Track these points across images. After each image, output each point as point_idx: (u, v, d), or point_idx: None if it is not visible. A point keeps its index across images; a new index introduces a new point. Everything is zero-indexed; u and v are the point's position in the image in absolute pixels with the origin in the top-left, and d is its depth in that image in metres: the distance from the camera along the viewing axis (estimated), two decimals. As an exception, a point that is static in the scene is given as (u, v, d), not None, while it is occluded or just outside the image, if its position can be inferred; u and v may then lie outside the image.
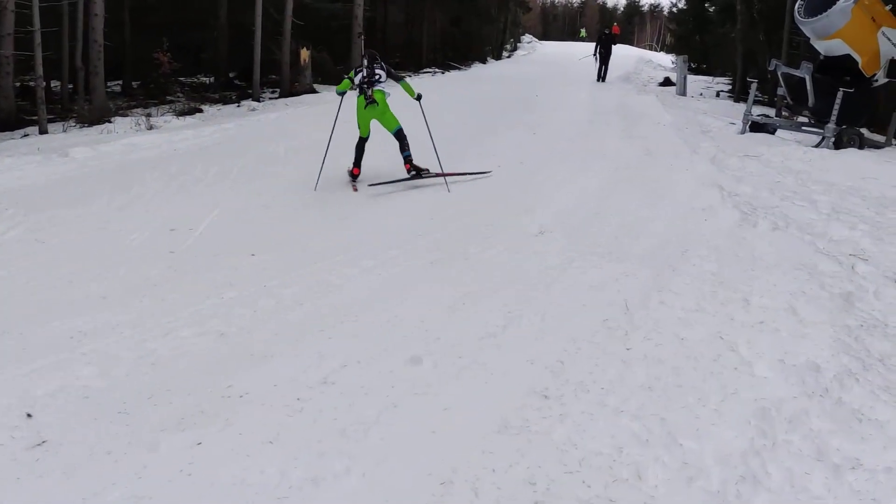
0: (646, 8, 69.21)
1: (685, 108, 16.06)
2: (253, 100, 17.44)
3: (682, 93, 20.27)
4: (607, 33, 22.87)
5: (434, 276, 5.57)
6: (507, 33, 40.11)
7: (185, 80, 19.01)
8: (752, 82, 12.78)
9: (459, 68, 28.40)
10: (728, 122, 13.40)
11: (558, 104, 15.81)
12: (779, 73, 12.17)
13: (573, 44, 50.32)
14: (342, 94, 9.02)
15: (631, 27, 66.59)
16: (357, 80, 8.86)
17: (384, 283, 5.45)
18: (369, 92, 8.69)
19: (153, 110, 14.91)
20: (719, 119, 14.01)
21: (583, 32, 60.64)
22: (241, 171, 9.28)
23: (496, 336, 4.46)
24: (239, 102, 17.21)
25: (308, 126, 12.93)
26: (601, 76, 22.57)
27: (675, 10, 35.75)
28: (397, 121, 8.80)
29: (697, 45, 29.91)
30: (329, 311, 4.90)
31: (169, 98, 16.91)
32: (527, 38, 49.73)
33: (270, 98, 18.34)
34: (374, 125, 8.89)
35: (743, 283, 5.18)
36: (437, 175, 8.70)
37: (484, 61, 33.02)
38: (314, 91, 19.29)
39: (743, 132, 12.21)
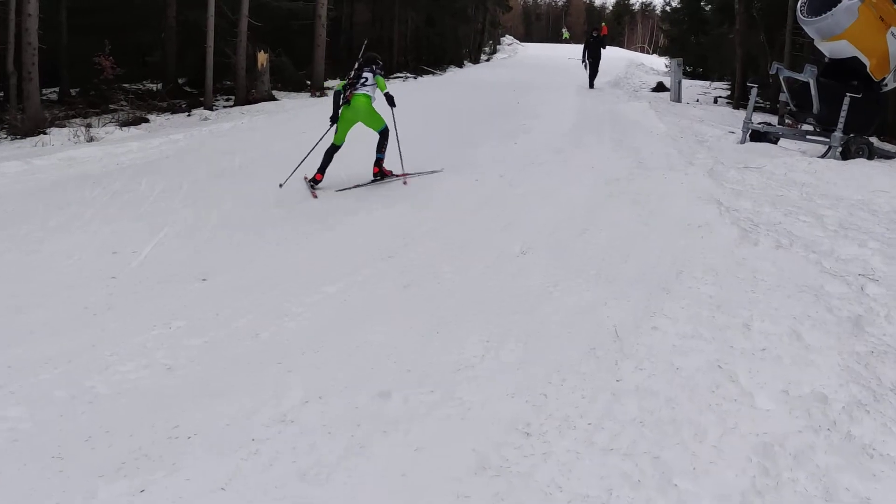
0: (636, 7, 70.07)
1: (680, 115, 16.23)
2: (205, 108, 17.44)
3: (677, 99, 20.50)
4: (595, 35, 22.87)
5: (405, 301, 5.58)
6: (486, 35, 40.45)
7: (129, 86, 18.96)
8: (753, 87, 12.91)
9: (433, 73, 28.58)
10: (726, 131, 13.55)
11: (542, 112, 15.92)
12: (781, 78, 12.29)
13: (557, 46, 50.81)
14: (339, 93, 9.40)
15: (621, 28, 67.38)
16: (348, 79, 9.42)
17: (350, 309, 5.44)
18: (347, 93, 9.24)
19: (94, 120, 14.85)
20: (717, 127, 14.18)
21: (566, 34, 61.32)
22: (192, 188, 9.25)
23: (473, 367, 4.46)
24: (189, 111, 17.20)
25: (266, 137, 12.95)
26: (592, 83, 22.67)
27: (668, 9, 36.24)
28: (383, 120, 9.35)
29: (693, 47, 30.31)
30: (288, 342, 4.88)
31: (111, 106, 16.86)
32: (507, 39, 50.23)
33: (224, 106, 18.36)
34: (356, 133, 9.40)
35: (743, 306, 5.22)
36: (399, 176, 9.44)
37: (460, 65, 33.28)
38: (273, 98, 19.33)
39: (743, 142, 12.32)
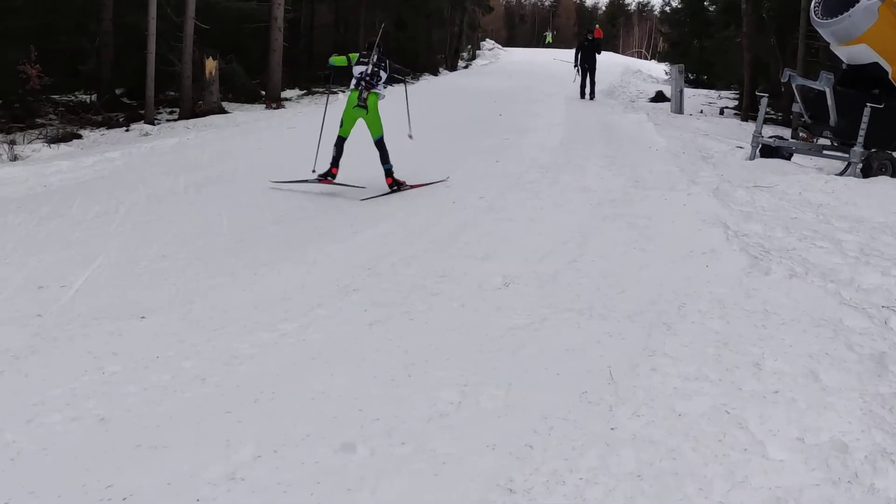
0: (633, 7, 70.77)
1: (682, 128, 16.40)
2: (146, 122, 17.44)
3: (679, 110, 20.72)
4: (590, 39, 22.82)
5: (371, 340, 5.56)
6: (464, 39, 40.72)
7: (58, 98, 18.89)
8: (763, 97, 13.07)
9: (405, 81, 28.65)
10: (734, 146, 13.70)
11: (527, 125, 16.05)
12: (794, 86, 12.41)
13: (544, 51, 51.18)
14: (333, 67, 10.56)
15: (615, 30, 68.03)
16: (357, 71, 10.25)
17: (309, 350, 5.42)
18: (365, 94, 10.10)
19: (18, 136, 14.79)
20: (723, 142, 14.33)
21: (549, 37, 61.89)
22: (131, 212, 9.22)
23: (448, 415, 4.46)
24: (128, 126, 17.19)
25: (215, 155, 12.95)
26: (586, 92, 22.66)
27: (667, 9, 36.65)
28: (382, 128, 10.20)
29: (696, 53, 30.64)
30: (239, 388, 4.85)
31: (38, 121, 16.79)
32: (488, 44, 50.62)
33: (168, 120, 18.38)
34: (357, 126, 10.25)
35: (753, 343, 5.26)
36: (413, 187, 10.33)
37: (435, 72, 33.48)
38: (223, 111, 19.36)
39: (752, 158, 12.44)
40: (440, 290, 6.55)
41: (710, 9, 30.24)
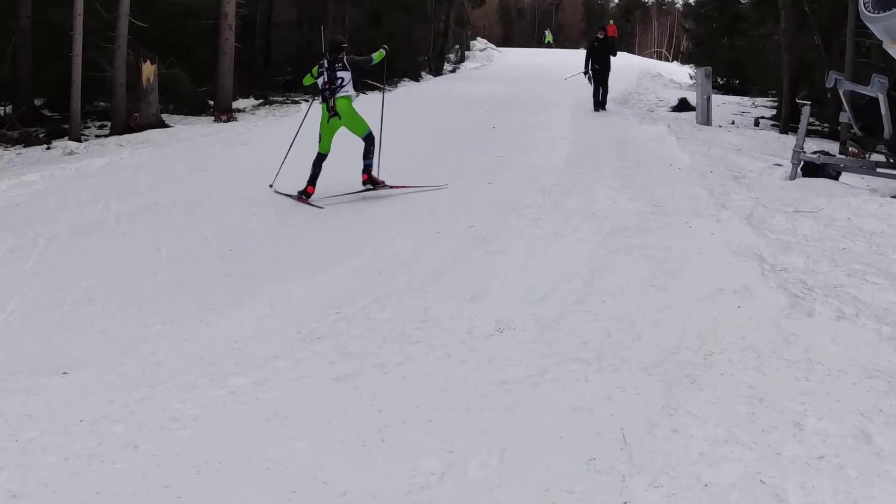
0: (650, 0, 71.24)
1: (709, 142, 16.45)
2: (70, 139, 17.45)
3: (706, 121, 20.78)
4: (601, 38, 21.99)
5: (338, 399, 5.55)
6: (451, 37, 40.85)
7: (-35, 110, 18.89)
8: (805, 105, 13.08)
9: (381, 88, 28.66)
10: (771, 163, 13.71)
11: (526, 140, 16.07)
12: (841, 92, 12.43)
13: (546, 52, 51.42)
14: (311, 86, 11.63)
15: (630, 27, 68.46)
16: (319, 82, 11.21)
17: (264, 410, 5.41)
18: (331, 102, 11.03)
19: (-85, 156, 14.77)
20: (758, 158, 14.36)
21: (549, 36, 62.28)
22: (52, 247, 9.21)
23: (429, 488, 4.45)
24: (49, 143, 17.21)
25: (153, 177, 12.95)
26: (599, 101, 22.16)
27: (692, 1, 36.87)
28: (366, 125, 11.18)
29: (726, 53, 30.75)
30: (179, 456, 4.84)
31: (-58, 138, 16.78)
32: (479, 43, 50.81)
33: (98, 136, 18.41)
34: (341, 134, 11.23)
35: (793, 399, 5.26)
36: (394, 187, 11.27)
37: (417, 77, 33.59)
38: (163, 125, 19.40)
39: (793, 177, 12.44)
40: (421, 338, 6.55)
41: (743, 1, 30.37)
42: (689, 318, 6.76)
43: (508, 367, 5.95)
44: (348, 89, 11.12)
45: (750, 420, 5.02)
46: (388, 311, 7.16)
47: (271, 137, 17.16)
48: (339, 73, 11.06)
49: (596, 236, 9.23)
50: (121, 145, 16.78)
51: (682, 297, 7.28)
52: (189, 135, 18.21)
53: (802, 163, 12.54)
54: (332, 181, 11.34)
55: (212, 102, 21.99)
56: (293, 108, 23.64)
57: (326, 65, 11.11)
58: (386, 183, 11.32)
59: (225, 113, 21.12)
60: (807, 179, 12.23)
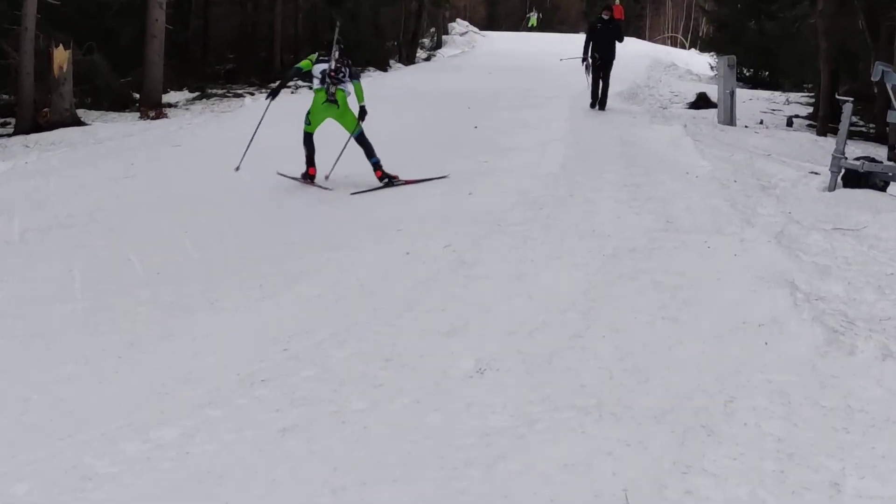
0: (664, -26, 71.59)
1: (733, 146, 16.50)
2: (-34, 139, 17.36)
3: (729, 120, 20.84)
4: (606, 18, 21.58)
5: (285, 455, 5.53)
6: (425, 19, 40.92)
7: None
8: (846, 102, 13.11)
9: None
10: (806, 171, 13.76)
11: (513, 143, 16.09)
12: (889, 87, 12.49)
13: (536, 37, 51.53)
14: (299, 71, 13.43)
15: (640, 8, 68.79)
16: (318, 70, 12.97)
17: (195, 468, 5.38)
18: (332, 90, 12.78)
19: None
20: (791, 165, 14.41)
21: (533, 19, 62.51)
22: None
23: (396, 561, 4.44)
24: (-60, 144, 17.10)
25: (66, 186, 12.90)
26: (598, 99, 21.63)
27: (712, -25, 36.98)
28: (357, 121, 12.95)
29: (753, 39, 30.85)
30: (92, 524, 4.82)
31: None
32: (459, 26, 50.91)
33: (-1, 135, 18.30)
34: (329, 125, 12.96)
35: (830, 454, 5.27)
36: (407, 182, 12.81)
37: (384, 67, 33.64)
38: (79, 122, 19.34)
39: (832, 188, 12.47)
40: (386, 380, 6.53)
41: (773, -23, 30.47)
42: (707, 358, 6.76)
43: (490, 415, 5.93)
44: (346, 85, 12.96)
45: (778, 480, 5.03)
46: (348, 348, 7.14)
47: (209, 138, 17.19)
48: (343, 68, 12.91)
49: (596, 259, 9.24)
50: (27, 146, 16.75)
51: (698, 331, 7.29)
52: (110, 134, 18.16)
53: (843, 171, 12.53)
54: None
55: (137, 96, 21.96)
56: (235, 102, 23.67)
57: (337, 55, 12.90)
58: (401, 178, 12.97)
59: (153, 108, 21.09)
60: (848, 190, 12.22)
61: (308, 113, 13.07)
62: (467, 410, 6.02)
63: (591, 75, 21.52)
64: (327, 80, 12.79)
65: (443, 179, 12.77)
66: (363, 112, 12.94)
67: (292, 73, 13.74)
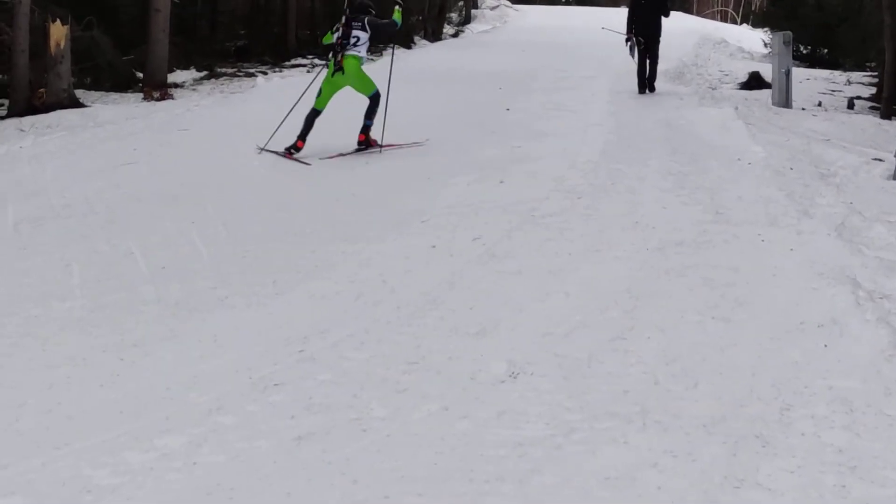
0: (714, -58, 71.28)
1: (789, 129, 16.44)
2: (-44, 122, 17.42)
3: (785, 102, 20.74)
4: None
5: (300, 465, 5.51)
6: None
7: None
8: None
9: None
10: (869, 158, 13.69)
11: (549, 127, 16.10)
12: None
13: (574, 11, 51.45)
14: (329, 45, 14.26)
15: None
16: (334, 37, 13.92)
17: (203, 480, 5.34)
18: (338, 57, 13.73)
19: None
20: (852, 151, 14.34)
21: None
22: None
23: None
24: (-72, 127, 17.18)
25: (65, 172, 12.95)
26: (645, 81, 21.34)
27: (767, -54, 36.82)
28: (374, 84, 14.04)
29: (811, 13, 30.73)
30: (91, 541, 4.82)
31: None
32: (491, 0, 50.75)
33: (-9, 118, 18.36)
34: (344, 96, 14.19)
35: (897, 467, 5.24)
36: (387, 146, 14.05)
37: (408, 45, 33.59)
38: (78, 104, 19.38)
39: (897, 177, 12.46)
40: (410, 385, 6.52)
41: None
42: (761, 361, 6.74)
43: (524, 424, 5.92)
44: (361, 50, 13.92)
45: (840, 495, 5.00)
46: (368, 350, 7.14)
47: (218, 121, 17.21)
48: (356, 32, 13.78)
49: (640, 253, 9.23)
50: (22, 130, 16.79)
51: (751, 333, 7.27)
52: (111, 117, 18.18)
53: (910, 156, 12.55)
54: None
55: (141, 75, 21.99)
56: (247, 82, 23.70)
57: (343, 20, 13.79)
58: (379, 143, 14.11)
59: (158, 89, 21.10)
60: (916, 179, 12.24)
61: (321, 83, 14.13)
62: (498, 419, 6.00)
63: (635, 56, 21.19)
64: (336, 47, 13.78)
65: (477, 167, 12.77)
66: (373, 103, 14.06)
67: (326, 50, 14.68)
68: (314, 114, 13.85)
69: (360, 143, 14.00)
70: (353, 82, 13.92)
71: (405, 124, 15.72)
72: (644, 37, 20.96)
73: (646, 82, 21.32)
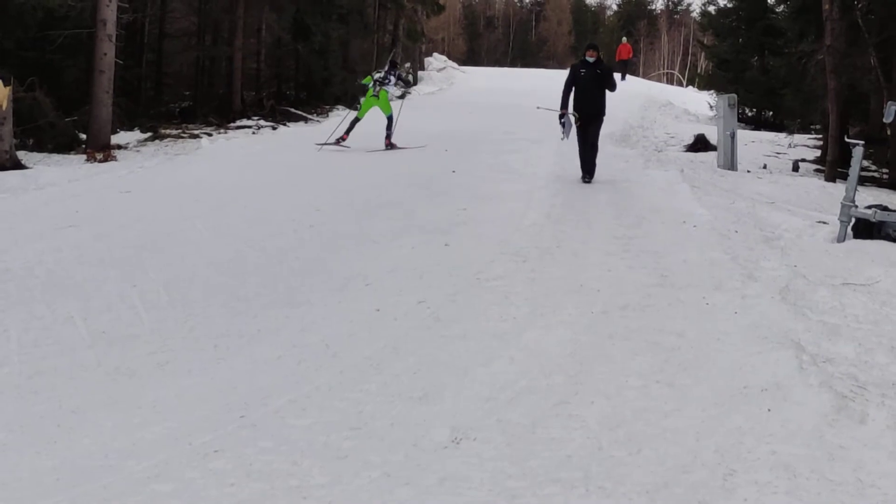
0: (658, 6, 71.90)
1: (734, 192, 16.58)
2: None
3: (730, 164, 20.95)
4: (591, 62, 17.84)
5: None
6: (399, 53, 41.10)
7: None
8: (857, 146, 13.15)
9: (307, 118, 29.06)
10: (813, 221, 13.80)
11: (495, 189, 16.15)
12: (903, 129, 12.56)
13: (521, 73, 51.76)
14: (363, 87, 23.85)
15: (632, 41, 69.09)
16: (376, 76, 22.73)
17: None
18: (377, 89, 22.25)
19: None
20: (797, 214, 14.46)
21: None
22: None
23: None
24: None
25: (4, 235, 12.84)
26: (586, 167, 17.85)
27: (712, 9, 37.17)
28: (391, 108, 22.25)
29: (756, 77, 31.01)
30: None
31: None
32: (437, 61, 51.07)
33: (-71, 180, 18.23)
34: (372, 114, 22.32)
35: (841, 534, 5.25)
36: (397, 147, 21.33)
37: (354, 105, 33.62)
38: (19, 165, 19.29)
39: (841, 239, 12.50)
40: (351, 452, 6.50)
41: (777, 9, 30.55)
42: (705, 426, 6.77)
43: (466, 491, 5.92)
44: (390, 87, 22.97)
45: (783, 563, 5.01)
46: (310, 416, 7.12)
47: (163, 183, 17.14)
48: (390, 77, 22.92)
49: (585, 316, 9.26)
50: (-38, 193, 16.69)
51: (695, 397, 7.29)
52: (53, 179, 18.11)
53: (854, 220, 12.59)
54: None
55: (84, 136, 21.91)
56: (191, 144, 23.63)
57: (388, 68, 23.14)
58: (397, 145, 22.26)
59: (101, 150, 21.03)
60: (859, 242, 12.27)
61: (362, 103, 23.23)
62: (440, 485, 6.01)
63: (569, 135, 18.19)
64: (377, 86, 22.34)
65: (422, 229, 12.78)
66: (389, 121, 22.40)
67: (362, 88, 24.38)
68: (356, 120, 22.13)
69: (387, 146, 22.05)
70: (381, 104, 22.15)
71: (353, 189, 15.77)
72: (584, 115, 17.83)
73: (586, 170, 17.90)
